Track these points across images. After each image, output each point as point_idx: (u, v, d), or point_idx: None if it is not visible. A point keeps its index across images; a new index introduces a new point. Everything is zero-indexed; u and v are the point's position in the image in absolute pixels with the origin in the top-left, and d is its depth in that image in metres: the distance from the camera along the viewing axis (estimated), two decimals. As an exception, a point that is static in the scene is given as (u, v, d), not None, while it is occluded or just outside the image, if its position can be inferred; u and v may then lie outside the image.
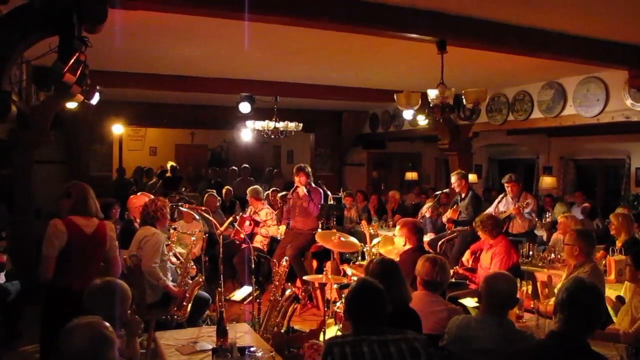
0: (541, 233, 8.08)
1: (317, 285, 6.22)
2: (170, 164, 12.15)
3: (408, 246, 4.88)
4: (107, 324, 2.35)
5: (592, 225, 7.80)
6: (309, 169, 7.27)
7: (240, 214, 7.73)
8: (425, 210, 8.56)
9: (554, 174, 11.88)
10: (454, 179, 7.46)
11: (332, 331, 4.58)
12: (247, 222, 7.68)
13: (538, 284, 4.43)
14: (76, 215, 3.92)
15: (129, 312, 3.12)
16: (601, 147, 11.44)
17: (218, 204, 8.43)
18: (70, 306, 2.89)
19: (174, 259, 5.63)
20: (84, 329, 2.25)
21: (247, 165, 13.04)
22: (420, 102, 5.19)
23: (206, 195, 8.52)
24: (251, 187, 8.26)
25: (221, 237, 5.77)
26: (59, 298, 3.76)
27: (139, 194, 6.80)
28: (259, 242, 7.77)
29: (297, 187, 7.21)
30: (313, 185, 7.24)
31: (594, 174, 12.40)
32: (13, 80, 5.36)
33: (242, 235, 6.70)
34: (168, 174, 11.60)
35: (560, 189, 11.84)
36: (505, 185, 7.08)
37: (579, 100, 7.21)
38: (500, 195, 7.36)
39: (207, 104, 10.80)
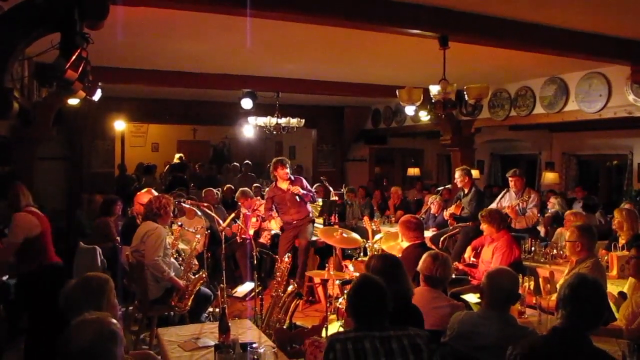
0: (540, 228, 8.05)
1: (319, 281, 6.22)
2: (178, 155, 12.34)
3: (405, 243, 4.91)
4: (114, 320, 2.28)
5: (593, 219, 7.78)
6: (287, 160, 7.22)
7: (244, 212, 7.70)
8: (432, 201, 8.54)
9: (556, 169, 11.86)
10: (458, 174, 7.42)
11: (335, 327, 4.59)
12: (254, 219, 7.66)
13: (540, 280, 4.43)
14: None
15: (132, 308, 3.09)
16: (603, 143, 11.42)
17: (217, 197, 8.44)
18: None
19: (177, 256, 5.63)
20: (93, 325, 2.17)
21: (248, 162, 13.05)
22: (422, 97, 5.18)
23: (204, 191, 8.51)
24: (239, 189, 8.16)
25: (223, 233, 5.76)
26: None
27: (144, 190, 6.77)
28: (264, 236, 7.77)
29: (276, 183, 7.14)
30: (292, 177, 7.17)
31: (596, 170, 12.37)
32: (15, 77, 5.36)
33: (250, 233, 6.71)
34: (177, 160, 11.59)
35: (562, 184, 11.82)
36: (510, 179, 7.07)
37: (582, 96, 7.20)
38: (504, 191, 7.35)
39: (209, 100, 10.81)
